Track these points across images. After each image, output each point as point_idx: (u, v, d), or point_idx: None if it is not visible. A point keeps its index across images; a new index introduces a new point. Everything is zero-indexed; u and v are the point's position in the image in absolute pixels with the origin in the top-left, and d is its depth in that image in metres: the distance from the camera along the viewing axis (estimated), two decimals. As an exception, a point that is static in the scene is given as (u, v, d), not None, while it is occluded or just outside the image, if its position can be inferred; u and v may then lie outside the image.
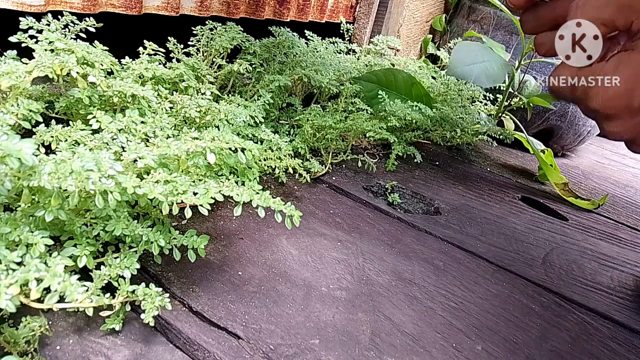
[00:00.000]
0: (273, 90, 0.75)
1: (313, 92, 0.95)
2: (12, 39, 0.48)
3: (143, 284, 0.38)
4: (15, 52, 0.48)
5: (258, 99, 0.67)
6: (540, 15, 0.47)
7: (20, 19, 0.49)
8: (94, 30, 0.54)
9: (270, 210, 0.43)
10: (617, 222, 0.88)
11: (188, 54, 0.73)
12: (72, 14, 0.55)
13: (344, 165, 0.82)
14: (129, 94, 0.50)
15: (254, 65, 0.80)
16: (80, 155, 0.35)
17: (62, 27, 0.53)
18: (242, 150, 0.47)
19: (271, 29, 0.88)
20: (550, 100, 1.04)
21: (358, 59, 1.14)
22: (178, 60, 0.68)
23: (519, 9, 0.51)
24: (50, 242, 0.34)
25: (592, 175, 1.16)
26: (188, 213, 0.41)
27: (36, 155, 0.32)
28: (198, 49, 0.74)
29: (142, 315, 0.36)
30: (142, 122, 0.47)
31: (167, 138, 0.47)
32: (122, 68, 0.58)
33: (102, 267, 0.39)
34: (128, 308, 0.40)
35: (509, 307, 0.54)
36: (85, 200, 0.38)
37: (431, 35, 1.61)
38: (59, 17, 0.54)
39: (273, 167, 0.63)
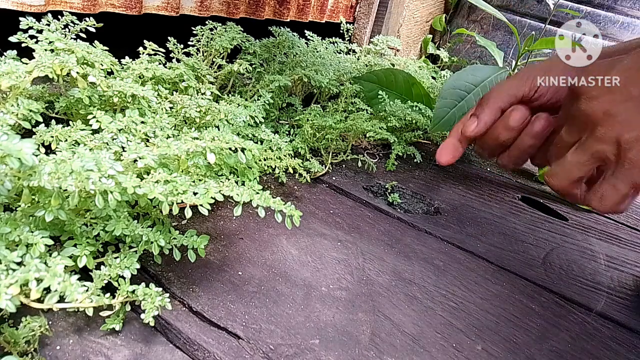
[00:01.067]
0: (273, 90, 0.75)
1: (313, 92, 0.95)
2: (12, 39, 0.48)
3: (143, 284, 0.38)
4: (15, 52, 0.48)
5: (258, 99, 0.67)
6: (485, 142, 0.50)
7: (20, 19, 0.49)
8: (94, 30, 0.54)
9: (271, 210, 0.43)
10: (617, 222, 0.88)
11: (188, 54, 0.73)
12: (72, 14, 0.55)
13: (344, 165, 0.82)
14: (129, 94, 0.50)
15: (254, 65, 0.80)
16: (80, 155, 0.35)
17: (62, 27, 0.53)
18: (242, 150, 0.47)
19: (271, 29, 0.88)
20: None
21: (358, 59, 1.14)
22: (178, 60, 0.68)
23: (447, 164, 0.55)
24: (50, 242, 0.34)
25: (592, 175, 1.16)
26: (188, 213, 0.41)
27: (36, 155, 0.32)
28: (198, 49, 0.74)
29: (142, 315, 0.36)
30: (142, 122, 0.47)
31: (167, 138, 0.47)
32: (122, 68, 0.58)
33: (102, 267, 0.39)
34: (128, 308, 0.40)
35: (509, 307, 0.54)
36: (85, 200, 0.38)
37: (431, 35, 1.61)
38: (59, 17, 0.54)
39: (273, 167, 0.63)
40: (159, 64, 0.62)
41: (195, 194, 0.39)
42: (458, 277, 0.57)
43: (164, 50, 0.64)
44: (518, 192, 0.91)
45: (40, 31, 0.50)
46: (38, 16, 0.53)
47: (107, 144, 0.44)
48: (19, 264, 0.31)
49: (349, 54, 1.16)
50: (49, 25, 0.51)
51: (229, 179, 0.44)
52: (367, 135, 0.76)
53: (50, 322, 0.38)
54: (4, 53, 0.47)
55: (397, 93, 0.94)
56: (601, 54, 0.43)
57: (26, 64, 0.44)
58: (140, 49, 0.61)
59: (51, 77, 0.45)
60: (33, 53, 0.46)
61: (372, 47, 1.16)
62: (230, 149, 0.48)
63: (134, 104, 0.52)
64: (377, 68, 1.05)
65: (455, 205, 0.77)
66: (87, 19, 0.54)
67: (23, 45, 0.48)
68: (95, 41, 0.54)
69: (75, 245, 0.38)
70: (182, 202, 0.38)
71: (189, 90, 0.63)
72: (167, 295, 0.38)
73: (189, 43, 0.73)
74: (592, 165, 0.43)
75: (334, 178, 0.76)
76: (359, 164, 0.83)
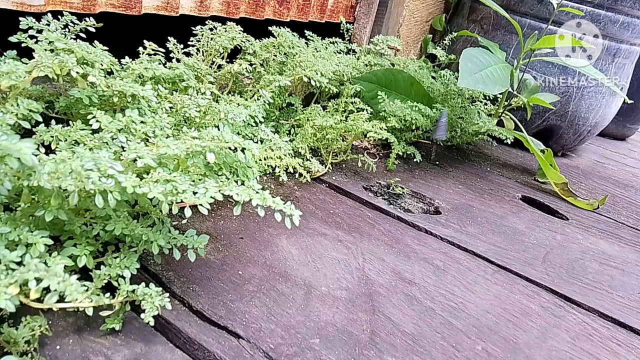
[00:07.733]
0: (273, 90, 0.75)
1: (313, 92, 0.94)
2: (12, 39, 0.48)
3: (143, 284, 0.38)
4: (15, 52, 0.48)
5: (258, 99, 0.67)
6: None
7: (20, 19, 0.49)
8: (93, 30, 0.54)
9: (270, 210, 0.43)
10: (617, 222, 0.87)
11: (188, 54, 0.73)
12: (72, 13, 0.55)
13: (344, 165, 0.82)
14: (129, 94, 0.50)
15: (254, 65, 0.80)
16: (79, 155, 0.35)
17: (62, 27, 0.53)
18: (242, 149, 0.47)
19: (271, 29, 0.88)
20: (549, 100, 1.03)
21: (358, 59, 1.14)
22: (178, 60, 0.68)
23: None
24: (50, 242, 0.34)
25: (592, 175, 1.16)
26: (188, 212, 0.41)
27: (36, 155, 0.32)
28: (198, 49, 0.74)
29: (142, 315, 0.36)
30: (142, 122, 0.47)
31: (166, 138, 0.47)
32: (122, 68, 0.57)
33: (102, 266, 0.39)
34: (128, 308, 0.39)
35: (509, 307, 0.54)
36: (85, 200, 0.38)
37: (431, 35, 1.61)
38: (59, 17, 0.54)
39: (273, 166, 0.63)
40: (159, 64, 0.62)
41: (194, 193, 0.39)
42: (458, 277, 0.57)
43: (163, 50, 0.64)
44: (518, 191, 0.91)
45: (40, 31, 0.50)
46: (38, 16, 0.53)
47: (107, 144, 0.44)
48: (19, 263, 0.31)
49: (349, 54, 1.16)
50: (48, 25, 0.51)
51: (228, 179, 0.44)
52: (368, 135, 0.76)
53: (50, 322, 0.38)
54: (4, 53, 0.47)
55: (396, 93, 0.94)
56: None
57: (26, 64, 0.44)
58: (140, 49, 0.61)
59: (51, 77, 0.45)
60: (33, 53, 0.46)
61: (372, 47, 1.16)
62: (230, 148, 0.48)
63: (133, 103, 0.52)
64: (377, 68, 1.05)
65: (455, 204, 0.77)
66: (86, 19, 0.54)
67: (23, 45, 0.48)
68: (95, 41, 0.54)
69: (75, 245, 0.38)
70: (182, 201, 0.38)
71: (188, 90, 0.63)
72: (167, 294, 0.38)
73: (189, 43, 0.73)
74: None
75: (334, 178, 0.76)
76: (359, 163, 0.83)
